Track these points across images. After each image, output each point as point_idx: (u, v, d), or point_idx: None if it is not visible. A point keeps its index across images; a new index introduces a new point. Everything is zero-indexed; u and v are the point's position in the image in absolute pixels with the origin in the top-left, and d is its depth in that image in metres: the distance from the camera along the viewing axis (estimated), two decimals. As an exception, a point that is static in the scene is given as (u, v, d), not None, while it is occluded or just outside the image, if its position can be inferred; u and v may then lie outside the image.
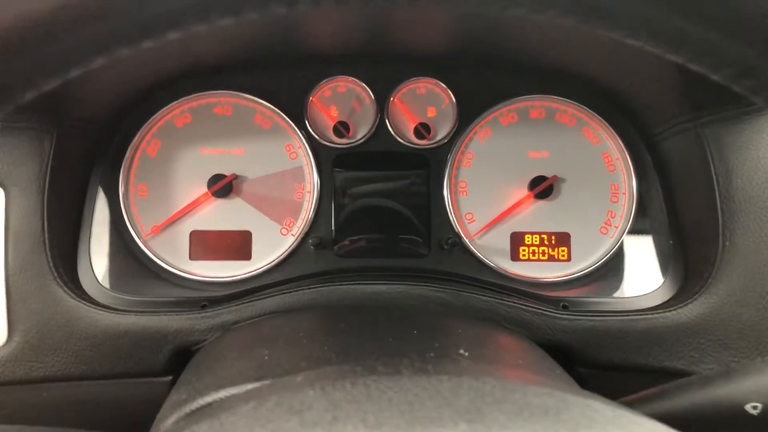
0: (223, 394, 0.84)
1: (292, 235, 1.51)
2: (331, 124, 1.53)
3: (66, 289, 1.24)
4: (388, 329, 1.03)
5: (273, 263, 1.48)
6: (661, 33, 0.53)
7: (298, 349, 0.94)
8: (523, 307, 1.28)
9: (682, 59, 0.56)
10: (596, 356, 1.28)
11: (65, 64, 0.53)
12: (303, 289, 1.27)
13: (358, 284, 1.30)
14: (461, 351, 0.92)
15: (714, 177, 1.28)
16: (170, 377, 1.26)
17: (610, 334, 1.27)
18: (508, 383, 0.60)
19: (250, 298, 1.27)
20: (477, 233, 1.53)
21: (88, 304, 1.24)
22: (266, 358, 0.92)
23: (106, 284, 1.37)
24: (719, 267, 1.26)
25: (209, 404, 0.83)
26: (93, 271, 1.36)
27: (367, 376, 0.66)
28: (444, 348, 0.94)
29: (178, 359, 1.24)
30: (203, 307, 1.29)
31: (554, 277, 1.51)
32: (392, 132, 1.54)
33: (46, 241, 1.25)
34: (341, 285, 1.29)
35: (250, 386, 0.83)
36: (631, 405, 0.78)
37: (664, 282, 1.41)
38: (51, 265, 1.24)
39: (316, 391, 0.57)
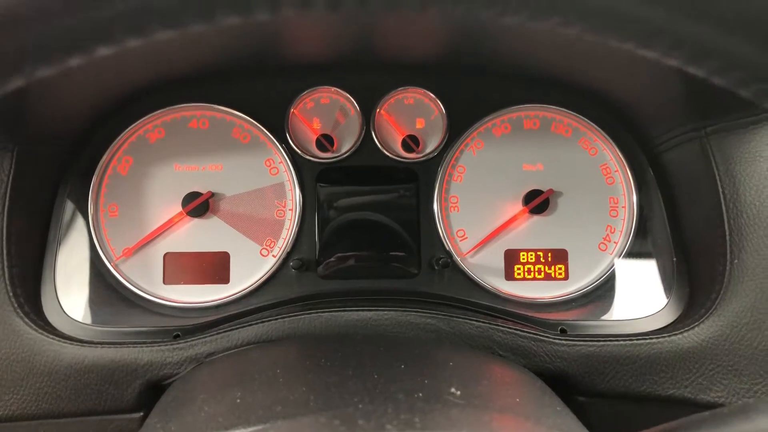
0: (188, 445, 0.76)
1: (273, 256, 1.42)
2: (314, 138, 1.46)
3: (27, 320, 1.15)
4: (374, 364, 0.95)
5: (252, 287, 1.40)
6: (680, 43, 0.45)
7: (273, 389, 0.87)
8: (519, 332, 1.20)
9: (704, 72, 0.48)
10: (597, 384, 1.20)
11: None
12: (283, 318, 1.19)
13: (343, 311, 1.21)
14: (453, 390, 0.84)
15: (720, 190, 1.21)
16: (141, 413, 1.17)
17: (611, 360, 1.20)
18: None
19: (225, 327, 1.19)
20: (469, 251, 1.45)
21: (51, 336, 1.15)
22: (238, 401, 0.84)
23: (73, 314, 1.28)
24: (727, 287, 1.19)
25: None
26: (58, 299, 1.28)
27: (345, 434, 0.58)
28: (434, 387, 0.86)
29: (149, 394, 1.16)
30: (176, 337, 1.21)
31: (551, 298, 1.44)
32: (379, 145, 1.46)
33: (5, 268, 1.17)
34: (324, 312, 1.20)
35: (217, 437, 0.76)
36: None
37: (667, 302, 1.34)
38: (11, 294, 1.16)
39: (286, 456, 0.50)
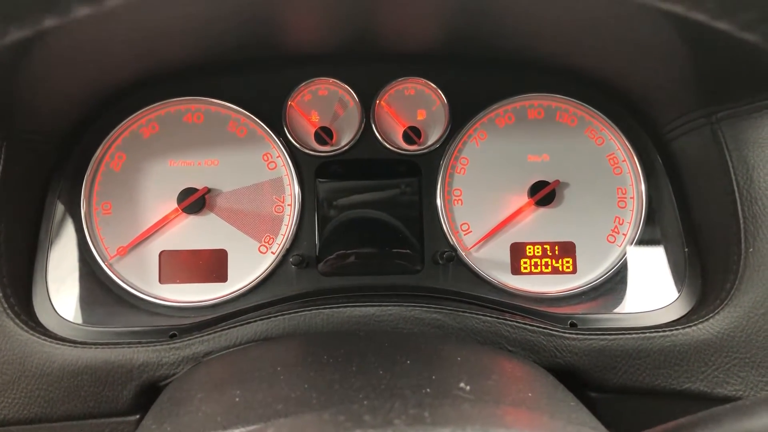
0: (184, 447, 0.73)
1: (272, 252, 1.38)
2: (313, 131, 1.42)
3: (18, 321, 1.12)
4: (378, 360, 0.91)
5: (251, 285, 1.36)
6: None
7: (274, 387, 0.83)
8: (528, 326, 1.17)
9: (707, 15, 0.45)
10: (609, 379, 1.17)
11: None
12: (283, 315, 1.15)
13: (345, 307, 1.17)
14: (461, 385, 0.80)
15: (733, 177, 1.18)
16: (137, 416, 1.14)
17: (623, 354, 1.16)
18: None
19: (223, 325, 1.15)
20: (474, 245, 1.41)
21: (43, 337, 1.12)
22: (237, 399, 0.81)
23: (66, 314, 1.25)
24: (742, 276, 1.15)
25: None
26: (50, 299, 1.24)
27: (351, 430, 0.55)
28: (442, 382, 0.82)
29: (146, 396, 1.12)
30: (172, 336, 1.17)
31: (559, 292, 1.40)
32: (379, 137, 1.43)
33: None
34: (326, 308, 1.16)
35: (216, 437, 0.72)
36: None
37: (680, 294, 1.30)
38: (0, 294, 1.12)
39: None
